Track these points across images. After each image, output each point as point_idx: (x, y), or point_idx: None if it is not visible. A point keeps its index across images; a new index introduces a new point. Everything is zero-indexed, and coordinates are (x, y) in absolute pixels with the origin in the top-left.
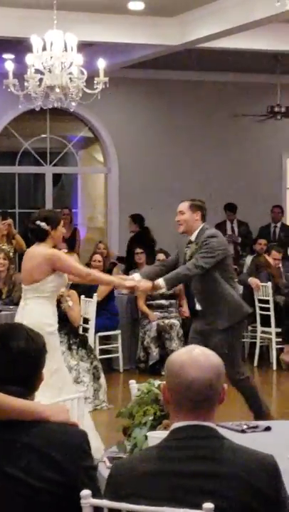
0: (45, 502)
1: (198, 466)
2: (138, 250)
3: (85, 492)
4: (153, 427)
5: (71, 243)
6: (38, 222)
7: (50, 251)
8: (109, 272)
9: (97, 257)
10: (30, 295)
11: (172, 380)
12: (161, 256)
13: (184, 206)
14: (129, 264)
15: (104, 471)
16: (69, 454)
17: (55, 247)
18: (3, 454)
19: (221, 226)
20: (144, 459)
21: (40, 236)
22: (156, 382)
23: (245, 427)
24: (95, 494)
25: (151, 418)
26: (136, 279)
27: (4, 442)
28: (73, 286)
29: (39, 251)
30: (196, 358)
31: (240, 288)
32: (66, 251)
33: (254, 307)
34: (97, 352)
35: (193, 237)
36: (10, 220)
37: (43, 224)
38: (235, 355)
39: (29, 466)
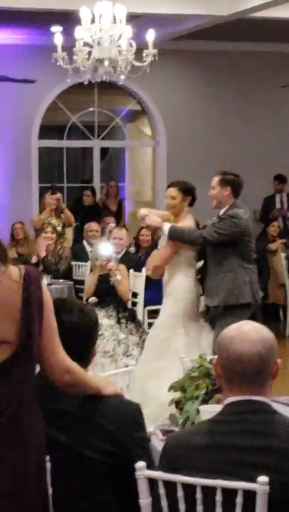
0: (101, 473)
1: (251, 441)
2: None
3: (140, 464)
4: (205, 401)
5: (117, 216)
6: None
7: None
8: (156, 246)
9: (145, 231)
10: None
11: (222, 355)
12: None
13: (215, 181)
14: None
15: (157, 443)
16: (123, 425)
17: None
18: (62, 427)
19: (269, 199)
20: (197, 433)
21: None
22: (208, 357)
23: None
24: (149, 465)
25: (203, 392)
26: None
27: (64, 416)
28: (122, 261)
29: None
30: (246, 333)
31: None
32: (114, 225)
33: None
34: (146, 326)
35: (221, 213)
36: (59, 195)
37: None
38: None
39: (85, 438)
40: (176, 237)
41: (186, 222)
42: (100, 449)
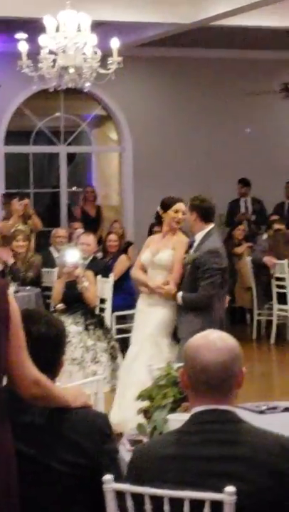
0: (71, 485)
1: (218, 450)
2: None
3: (108, 477)
4: (173, 410)
5: (95, 222)
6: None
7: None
8: (125, 251)
9: (113, 237)
10: None
11: (188, 364)
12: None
13: (184, 207)
14: None
15: (124, 453)
16: (91, 437)
17: None
18: (30, 440)
19: (234, 203)
20: (164, 444)
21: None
22: (175, 365)
23: (264, 407)
24: (117, 477)
25: (170, 401)
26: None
27: (31, 429)
28: (89, 267)
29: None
30: (212, 342)
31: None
32: (82, 230)
33: (269, 287)
34: (114, 332)
35: (197, 239)
36: (27, 201)
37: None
38: None
39: (53, 451)
40: (190, 306)
41: (181, 237)
42: (68, 461)
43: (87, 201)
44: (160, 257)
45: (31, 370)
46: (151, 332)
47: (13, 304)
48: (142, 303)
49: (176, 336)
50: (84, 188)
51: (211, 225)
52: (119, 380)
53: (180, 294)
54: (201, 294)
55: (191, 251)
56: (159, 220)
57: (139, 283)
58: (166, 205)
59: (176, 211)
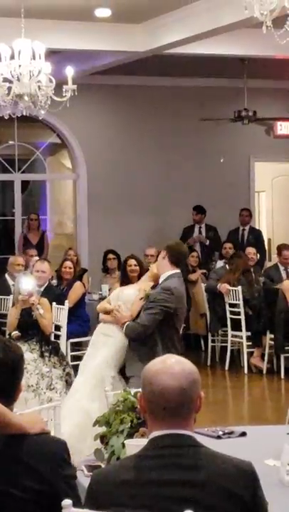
0: (30, 511)
1: (176, 475)
2: (111, 256)
3: (66, 502)
4: (130, 435)
5: (40, 248)
6: None
7: None
8: (80, 278)
9: (68, 263)
10: None
11: (146, 388)
12: (132, 262)
13: (154, 251)
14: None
15: (82, 479)
16: (49, 463)
17: None
18: None
19: (189, 230)
20: (122, 469)
21: None
22: (133, 390)
23: (220, 433)
24: (76, 503)
25: (128, 426)
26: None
27: None
28: (44, 294)
29: None
30: (170, 366)
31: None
32: (37, 258)
33: (225, 311)
34: (69, 358)
35: (161, 280)
36: None
37: None
38: None
39: (12, 478)
40: (129, 335)
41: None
42: (27, 487)
43: (31, 229)
44: (127, 292)
45: None
46: (99, 363)
47: None
48: (96, 333)
49: (123, 372)
50: (28, 216)
51: (177, 270)
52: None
53: (128, 323)
54: (138, 322)
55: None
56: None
57: (100, 310)
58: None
59: (129, 265)
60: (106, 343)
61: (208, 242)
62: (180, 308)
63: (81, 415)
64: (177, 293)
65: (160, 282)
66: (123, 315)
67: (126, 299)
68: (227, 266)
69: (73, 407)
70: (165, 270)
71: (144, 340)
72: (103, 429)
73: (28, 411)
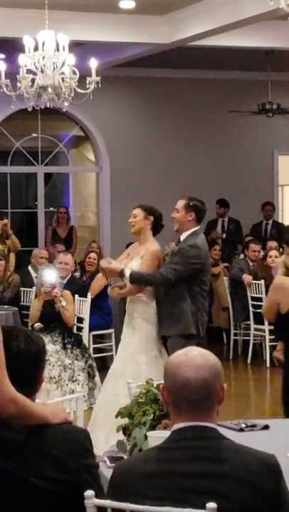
0: (51, 501)
1: (200, 467)
2: None
3: (89, 492)
4: (152, 427)
5: (68, 242)
6: None
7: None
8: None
9: (93, 255)
10: None
11: (169, 380)
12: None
13: (180, 204)
14: None
15: (105, 470)
16: (71, 452)
17: None
18: (9, 455)
19: (212, 223)
20: (145, 460)
21: None
22: (155, 382)
23: (243, 425)
24: (98, 493)
25: (150, 418)
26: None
27: (11, 444)
28: (67, 286)
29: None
30: (192, 358)
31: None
32: (64, 249)
33: (247, 304)
34: (91, 351)
35: (182, 238)
36: (6, 220)
37: None
38: None
39: (33, 466)
40: (137, 281)
41: (150, 245)
42: (49, 477)
43: (60, 223)
44: (130, 267)
45: (8, 387)
46: (132, 351)
47: None
48: (126, 326)
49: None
50: (57, 209)
51: (198, 227)
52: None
53: (127, 270)
54: (159, 272)
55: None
56: None
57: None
58: None
59: (129, 216)
60: (135, 328)
61: (224, 236)
62: (207, 262)
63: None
64: (205, 248)
65: (183, 239)
66: (112, 266)
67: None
68: (251, 264)
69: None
70: (190, 227)
71: (167, 296)
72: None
73: (50, 401)
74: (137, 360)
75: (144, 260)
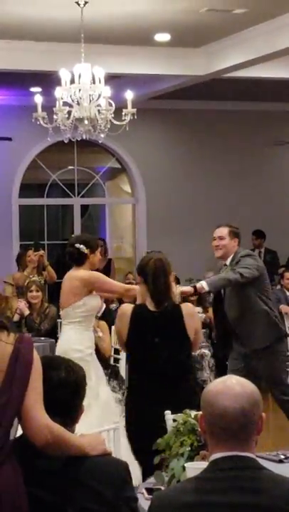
0: None
1: (238, 498)
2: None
3: None
4: (190, 458)
5: (106, 274)
6: (77, 245)
7: (88, 273)
8: None
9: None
10: (64, 321)
11: (206, 409)
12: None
13: (224, 232)
14: None
15: (142, 502)
16: (110, 484)
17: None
18: (44, 485)
19: None
20: (183, 491)
21: (79, 259)
22: (193, 413)
23: (282, 456)
24: None
25: (188, 449)
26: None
27: (45, 474)
28: (103, 317)
29: (77, 274)
30: (230, 387)
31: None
32: None
33: (286, 333)
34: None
35: (228, 262)
36: (42, 252)
37: (82, 247)
38: (277, 374)
39: (70, 497)
40: (216, 286)
41: None
42: (87, 508)
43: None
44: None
45: (43, 415)
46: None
47: (35, 355)
48: None
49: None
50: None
51: None
52: None
53: (202, 282)
54: (236, 271)
55: (225, 268)
56: None
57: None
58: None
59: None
60: None
61: None
62: (264, 266)
63: None
64: (256, 256)
65: (231, 258)
66: (187, 289)
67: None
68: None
69: None
70: (233, 252)
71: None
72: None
73: (89, 432)
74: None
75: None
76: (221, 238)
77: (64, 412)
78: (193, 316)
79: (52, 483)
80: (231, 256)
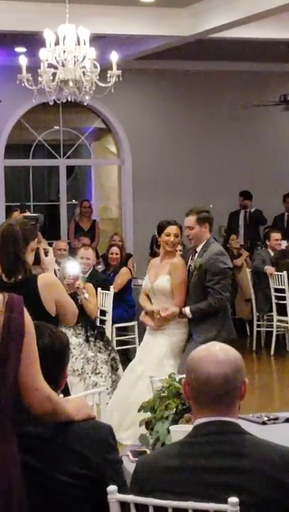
0: (77, 497)
1: (221, 462)
2: None
3: (112, 488)
4: (175, 421)
5: (91, 236)
6: None
7: None
8: (125, 264)
9: (115, 249)
10: None
11: (190, 375)
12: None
13: (192, 221)
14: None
15: (128, 464)
16: (96, 448)
17: None
18: (36, 452)
19: (234, 215)
20: (167, 455)
21: None
22: (178, 377)
23: (265, 418)
24: (121, 487)
25: (173, 412)
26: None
27: (39, 440)
28: (89, 280)
29: None
30: (214, 353)
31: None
32: (89, 242)
33: (270, 296)
34: (114, 343)
35: (198, 248)
36: (27, 213)
37: None
38: None
39: (58, 463)
40: (200, 316)
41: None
42: (73, 472)
43: (83, 216)
44: (158, 284)
45: (43, 385)
46: (158, 354)
47: (28, 320)
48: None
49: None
50: (80, 203)
51: (210, 235)
52: (118, 394)
53: (187, 308)
54: (215, 297)
55: (196, 257)
56: (154, 244)
57: (143, 305)
58: (159, 228)
59: (168, 234)
60: (162, 334)
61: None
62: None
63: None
64: (226, 252)
65: (200, 248)
66: (171, 311)
67: (161, 289)
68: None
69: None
70: (205, 238)
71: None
72: (148, 414)
73: (73, 396)
74: (163, 363)
75: (173, 275)
76: (190, 228)
77: (49, 379)
78: (51, 287)
79: (40, 448)
80: (202, 243)
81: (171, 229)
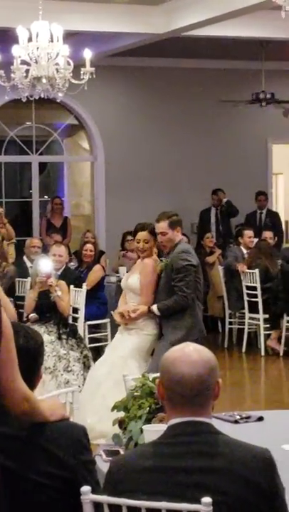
0: (50, 497)
1: (195, 462)
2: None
3: (85, 488)
4: (148, 420)
5: (63, 232)
6: None
7: None
8: (98, 261)
9: (89, 246)
10: None
11: (164, 376)
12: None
13: (164, 227)
14: None
15: (101, 464)
16: (69, 449)
17: None
18: (10, 452)
19: (206, 213)
20: (141, 455)
21: None
22: (151, 376)
23: (238, 417)
24: (94, 487)
25: (146, 411)
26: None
27: (12, 441)
28: (62, 277)
29: None
30: (188, 354)
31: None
32: (61, 240)
33: (242, 293)
34: (86, 341)
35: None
36: (1, 209)
37: None
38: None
39: (32, 463)
40: (168, 313)
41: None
42: (48, 473)
43: (54, 213)
44: (130, 282)
45: (22, 385)
46: (123, 354)
47: (5, 321)
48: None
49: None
50: (51, 199)
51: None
52: (86, 391)
53: (154, 306)
54: (179, 295)
55: (164, 259)
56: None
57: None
58: (134, 232)
59: (138, 241)
60: (131, 336)
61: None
62: (198, 263)
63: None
64: (193, 251)
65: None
66: (140, 311)
67: (132, 287)
68: (245, 251)
69: (99, 405)
70: (176, 240)
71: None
72: (122, 413)
73: (47, 395)
74: (127, 364)
75: (142, 275)
76: (163, 234)
77: (24, 379)
78: None
79: (14, 449)
80: (174, 245)
81: (141, 235)
